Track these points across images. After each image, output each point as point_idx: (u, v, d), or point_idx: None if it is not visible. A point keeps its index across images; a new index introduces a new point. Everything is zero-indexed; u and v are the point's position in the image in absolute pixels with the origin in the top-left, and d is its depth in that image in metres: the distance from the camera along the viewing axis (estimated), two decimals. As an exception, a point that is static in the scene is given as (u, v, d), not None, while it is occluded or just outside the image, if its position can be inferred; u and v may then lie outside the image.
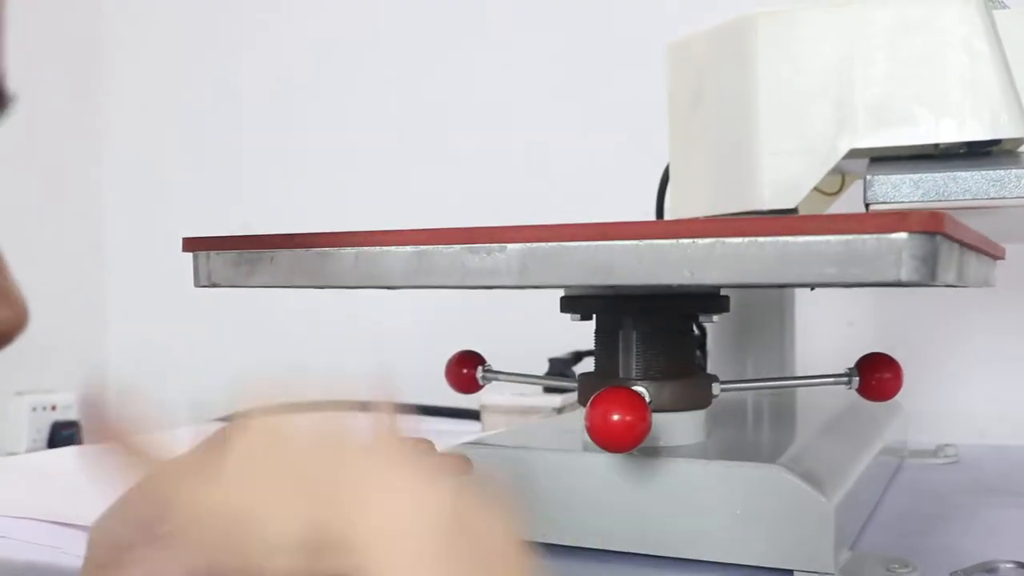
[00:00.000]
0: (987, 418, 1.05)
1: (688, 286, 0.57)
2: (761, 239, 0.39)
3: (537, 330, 1.03)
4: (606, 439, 0.52)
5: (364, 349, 1.38)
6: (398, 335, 1.34)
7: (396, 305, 1.32)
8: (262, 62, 1.49)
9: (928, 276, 0.37)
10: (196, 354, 1.53)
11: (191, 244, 0.58)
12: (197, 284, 0.58)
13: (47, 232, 1.49)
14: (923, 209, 0.46)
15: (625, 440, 0.52)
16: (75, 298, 1.55)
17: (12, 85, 0.30)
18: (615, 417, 0.51)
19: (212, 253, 0.57)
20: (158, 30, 1.58)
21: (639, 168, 0.94)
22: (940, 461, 0.87)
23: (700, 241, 0.40)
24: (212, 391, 1.45)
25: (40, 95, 1.46)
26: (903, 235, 0.37)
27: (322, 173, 1.44)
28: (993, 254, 0.61)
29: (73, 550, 0.63)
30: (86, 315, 1.57)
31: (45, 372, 1.50)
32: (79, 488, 0.80)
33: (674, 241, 0.40)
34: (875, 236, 0.37)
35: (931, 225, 0.36)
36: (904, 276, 0.36)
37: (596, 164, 1.22)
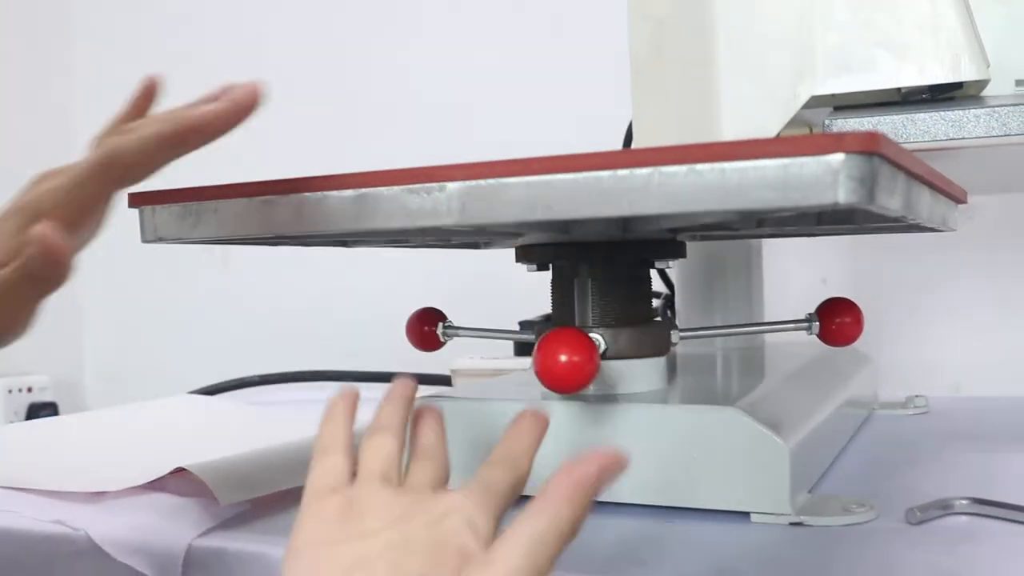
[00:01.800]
0: (961, 372, 1.05)
1: (642, 229, 0.57)
2: (699, 166, 0.38)
3: (508, 294, 1.02)
4: (554, 380, 0.51)
5: (334, 320, 1.37)
6: (368, 305, 1.33)
7: (366, 274, 1.31)
8: (235, 36, 1.47)
9: (866, 198, 0.36)
10: (169, 332, 1.52)
11: (136, 199, 0.57)
12: (144, 239, 0.57)
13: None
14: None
15: (573, 380, 0.51)
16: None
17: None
18: (562, 358, 0.51)
19: (157, 207, 0.56)
20: (130, 13, 1.56)
21: (605, 123, 0.94)
22: (910, 412, 0.87)
23: (638, 171, 0.39)
24: (185, 366, 1.44)
25: (13, 89, 1.45)
26: (840, 156, 0.36)
27: (291, 146, 1.43)
28: (953, 195, 0.60)
29: (30, 513, 0.62)
30: (60, 297, 1.56)
31: (19, 354, 1.49)
32: (39, 453, 0.79)
33: (611, 172, 0.39)
34: (812, 158, 0.36)
35: (868, 145, 0.36)
36: (842, 198, 0.36)
37: (560, 120, 1.21)
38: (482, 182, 0.42)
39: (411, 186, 0.44)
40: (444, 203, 0.43)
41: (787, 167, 0.37)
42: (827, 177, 0.36)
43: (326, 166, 0.54)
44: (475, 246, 0.80)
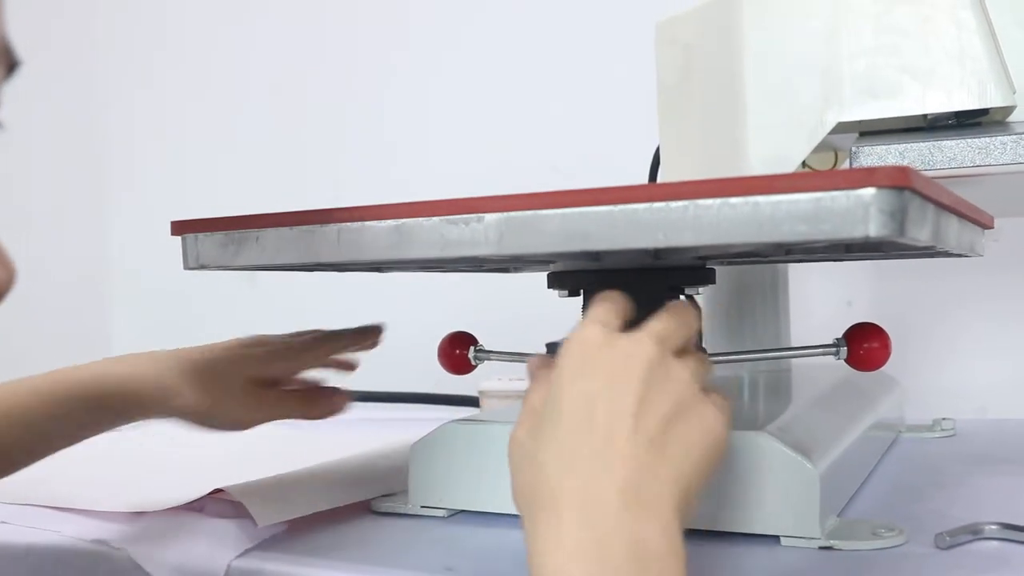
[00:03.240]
0: (988, 394, 1.05)
1: (672, 257, 0.58)
2: (733, 200, 0.39)
3: (534, 316, 1.03)
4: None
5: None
6: (396, 326, 1.34)
7: (394, 295, 1.32)
8: (259, 54, 1.49)
9: (897, 231, 0.37)
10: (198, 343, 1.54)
11: (180, 227, 0.59)
12: (186, 267, 0.59)
13: (50, 226, 1.50)
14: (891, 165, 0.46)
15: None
16: (78, 291, 1.56)
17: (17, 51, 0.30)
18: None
19: (200, 235, 0.57)
20: (155, 21, 1.59)
21: (632, 149, 0.95)
22: (936, 435, 0.87)
23: (673, 204, 0.40)
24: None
25: (41, 93, 1.47)
26: (871, 190, 0.37)
27: (325, 165, 1.45)
28: (980, 221, 0.61)
29: (70, 532, 0.64)
30: (89, 308, 1.58)
31: (48, 365, 1.50)
32: (80, 473, 0.81)
33: (647, 205, 0.41)
34: (844, 192, 0.37)
35: (898, 179, 0.36)
36: (873, 231, 0.37)
37: (588, 145, 1.22)
38: (519, 213, 0.43)
39: (449, 217, 0.45)
40: (482, 234, 0.45)
41: (819, 201, 0.38)
42: (858, 211, 0.37)
43: (359, 194, 0.55)
44: (505, 271, 0.81)
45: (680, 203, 0.40)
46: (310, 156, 1.46)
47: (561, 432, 0.40)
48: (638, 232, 0.41)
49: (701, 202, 0.39)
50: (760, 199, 0.38)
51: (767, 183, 0.38)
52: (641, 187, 0.41)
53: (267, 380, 0.69)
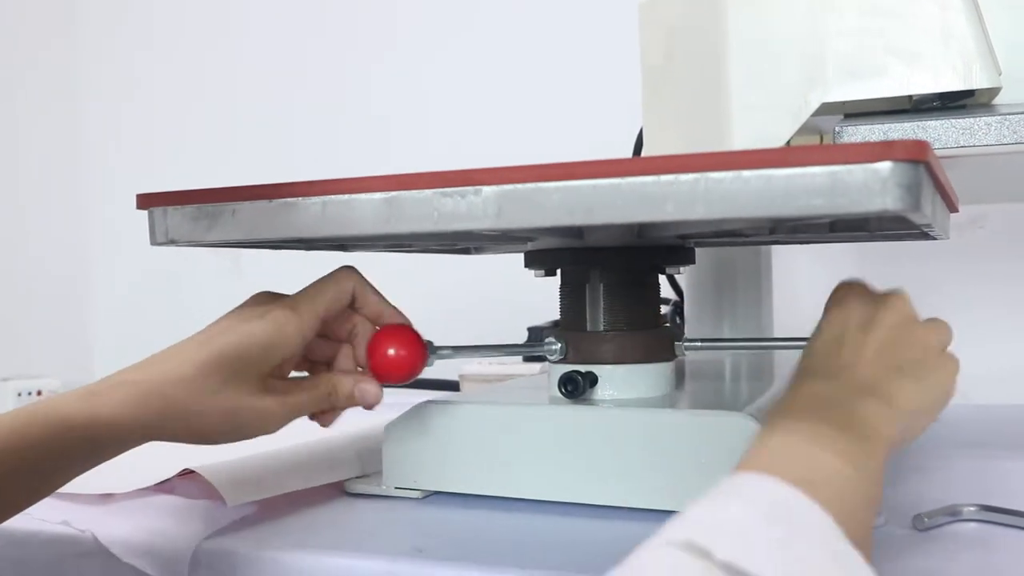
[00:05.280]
0: (969, 380, 1.04)
1: (655, 235, 0.56)
2: (746, 173, 0.38)
3: (510, 298, 1.02)
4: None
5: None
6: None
7: (372, 280, 1.31)
8: (250, 34, 1.46)
9: (913, 205, 0.36)
10: (179, 334, 1.50)
11: (146, 200, 0.55)
12: (154, 242, 0.56)
13: (30, 219, 1.46)
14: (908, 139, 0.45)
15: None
16: (58, 283, 1.52)
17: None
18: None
19: (169, 208, 0.54)
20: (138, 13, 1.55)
21: (615, 131, 0.94)
22: (914, 419, 0.87)
23: (683, 177, 0.39)
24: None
25: (20, 86, 1.43)
26: (888, 164, 0.36)
27: (312, 160, 1.42)
28: (951, 203, 0.60)
29: (36, 514, 0.61)
30: (70, 299, 1.55)
31: (29, 357, 1.50)
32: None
33: (656, 178, 0.39)
34: (861, 166, 0.36)
35: (916, 153, 0.36)
36: (890, 205, 0.36)
37: (570, 128, 1.21)
38: (521, 186, 0.42)
39: (444, 189, 0.44)
40: (480, 207, 0.43)
41: (835, 174, 0.37)
42: (875, 184, 0.36)
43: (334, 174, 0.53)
44: (466, 252, 0.79)
45: (691, 176, 0.38)
46: (303, 141, 1.43)
47: (815, 362, 0.44)
48: (645, 205, 0.39)
49: (713, 175, 0.38)
50: (774, 172, 0.37)
51: (781, 156, 0.37)
52: (650, 159, 0.39)
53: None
